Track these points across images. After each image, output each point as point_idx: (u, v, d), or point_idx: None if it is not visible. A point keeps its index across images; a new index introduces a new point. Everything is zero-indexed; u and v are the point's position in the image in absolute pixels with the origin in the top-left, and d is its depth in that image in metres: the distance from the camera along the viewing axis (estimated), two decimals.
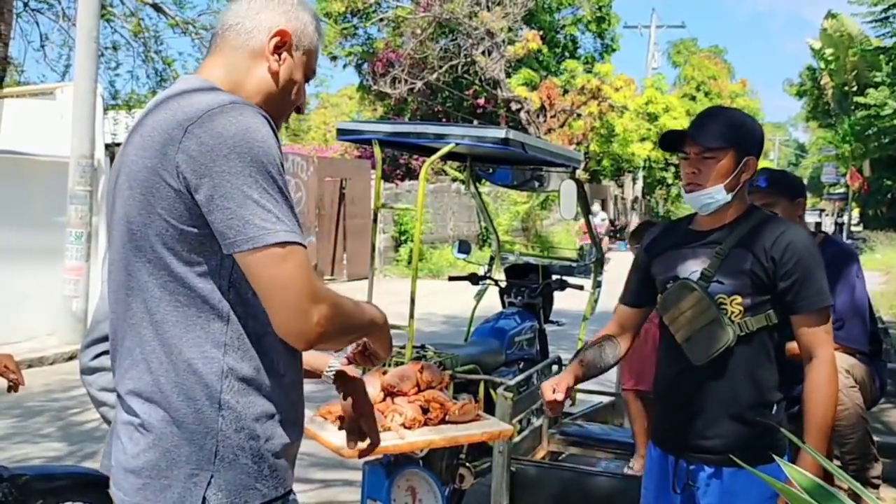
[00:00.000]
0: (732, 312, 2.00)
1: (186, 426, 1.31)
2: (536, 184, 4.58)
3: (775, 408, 2.05)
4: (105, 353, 1.91)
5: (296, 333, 1.28)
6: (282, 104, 1.48)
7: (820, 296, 1.98)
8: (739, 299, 1.99)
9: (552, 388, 2.13)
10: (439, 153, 3.56)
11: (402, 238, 16.28)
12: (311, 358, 1.68)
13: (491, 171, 4.56)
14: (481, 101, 21.82)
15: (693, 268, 2.06)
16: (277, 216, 1.26)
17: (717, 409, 2.03)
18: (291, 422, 1.40)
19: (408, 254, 15.88)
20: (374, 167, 16.21)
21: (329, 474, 4.44)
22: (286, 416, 1.38)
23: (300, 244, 1.28)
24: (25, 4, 12.74)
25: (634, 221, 31.78)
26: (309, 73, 1.52)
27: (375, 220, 3.79)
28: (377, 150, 3.70)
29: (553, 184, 4.66)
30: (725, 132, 2.03)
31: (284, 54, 1.45)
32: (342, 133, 3.79)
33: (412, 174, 19.09)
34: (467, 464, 3.54)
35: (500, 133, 3.38)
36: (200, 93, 1.34)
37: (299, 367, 1.46)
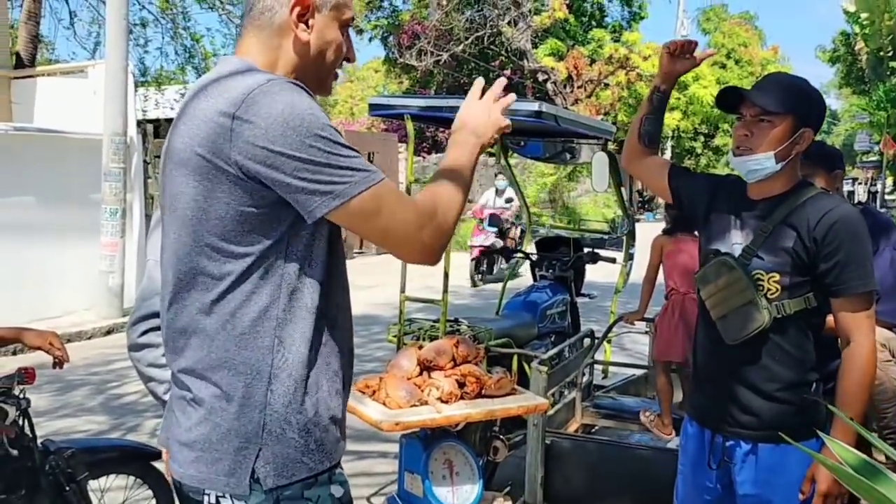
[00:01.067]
0: (770, 290, 1.95)
1: (236, 400, 1.34)
2: (568, 156, 4.55)
3: (813, 387, 2.02)
4: (152, 329, 1.95)
5: (419, 261, 1.40)
6: (324, 66, 1.48)
7: (863, 279, 1.91)
8: (778, 277, 1.95)
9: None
10: None
11: None
12: None
13: (522, 144, 4.54)
14: (508, 72, 21.64)
15: (736, 240, 2.02)
16: (351, 167, 1.30)
17: (753, 387, 2.00)
18: (337, 393, 1.43)
19: None
20: (401, 141, 16.22)
21: (364, 446, 4.50)
22: (332, 387, 1.41)
23: (382, 179, 1.34)
24: None
25: None
26: (345, 24, 1.50)
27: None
28: (409, 124, 3.70)
29: (584, 156, 4.63)
30: (786, 98, 1.93)
31: (311, 20, 1.44)
32: (374, 108, 3.79)
33: (439, 147, 19.04)
34: (501, 436, 3.57)
35: (534, 106, 3.36)
36: (238, 76, 1.35)
37: (349, 336, 1.48)
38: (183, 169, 1.35)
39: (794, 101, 1.94)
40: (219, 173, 1.31)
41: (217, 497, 1.36)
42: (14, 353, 6.36)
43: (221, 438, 1.34)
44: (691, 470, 2.15)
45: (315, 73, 1.46)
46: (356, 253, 14.71)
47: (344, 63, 1.53)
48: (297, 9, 1.42)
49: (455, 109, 3.69)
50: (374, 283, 11.03)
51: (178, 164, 1.36)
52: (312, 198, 1.29)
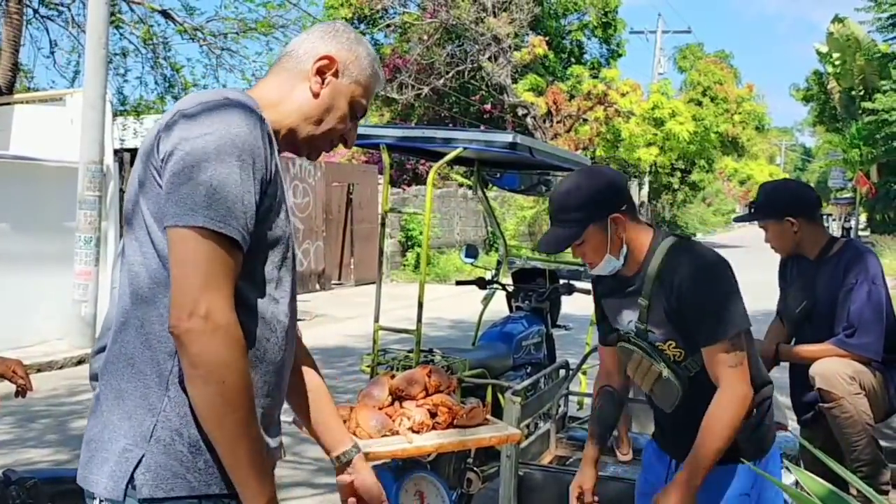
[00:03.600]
0: (675, 356, 2.07)
1: (129, 399, 1.30)
2: (544, 188, 4.58)
3: (754, 412, 2.10)
4: None
5: (173, 318, 1.24)
6: (320, 128, 1.49)
7: (719, 327, 1.96)
8: (674, 344, 2.07)
9: (578, 491, 2.26)
10: (447, 157, 3.57)
11: (409, 243, 16.30)
12: (327, 431, 1.69)
13: (499, 175, 4.57)
14: (488, 106, 21.86)
15: (629, 318, 2.14)
16: (209, 201, 1.24)
17: (696, 424, 2.06)
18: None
19: (415, 258, 15.90)
20: (380, 172, 16.26)
21: (335, 478, 4.44)
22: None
23: (221, 234, 1.25)
24: (35, 11, 12.82)
25: None
26: (357, 107, 1.53)
27: (383, 225, 3.80)
28: (385, 154, 3.72)
29: None
30: (572, 220, 2.04)
31: (329, 78, 1.48)
32: None
33: (419, 179, 19.12)
34: (475, 468, 3.54)
35: (508, 137, 3.39)
36: (213, 92, 1.37)
37: (277, 360, 1.40)
38: (136, 165, 1.39)
39: (581, 214, 2.03)
40: (149, 163, 1.33)
41: (101, 502, 1.30)
42: None
43: (111, 438, 1.30)
44: (650, 487, 2.26)
45: (309, 131, 1.49)
46: (334, 284, 14.65)
47: (339, 143, 1.55)
48: (322, 62, 1.48)
49: (430, 140, 3.74)
50: (351, 315, 10.98)
51: (135, 164, 1.40)
52: (167, 206, 1.28)
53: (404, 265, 16.29)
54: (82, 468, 1.34)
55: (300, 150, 1.52)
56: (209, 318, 1.22)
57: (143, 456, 1.27)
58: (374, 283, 3.95)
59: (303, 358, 1.66)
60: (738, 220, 3.31)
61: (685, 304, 1.98)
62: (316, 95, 1.47)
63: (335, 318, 10.92)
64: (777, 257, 3.26)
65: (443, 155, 3.87)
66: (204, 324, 1.22)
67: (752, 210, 3.05)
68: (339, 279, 14.91)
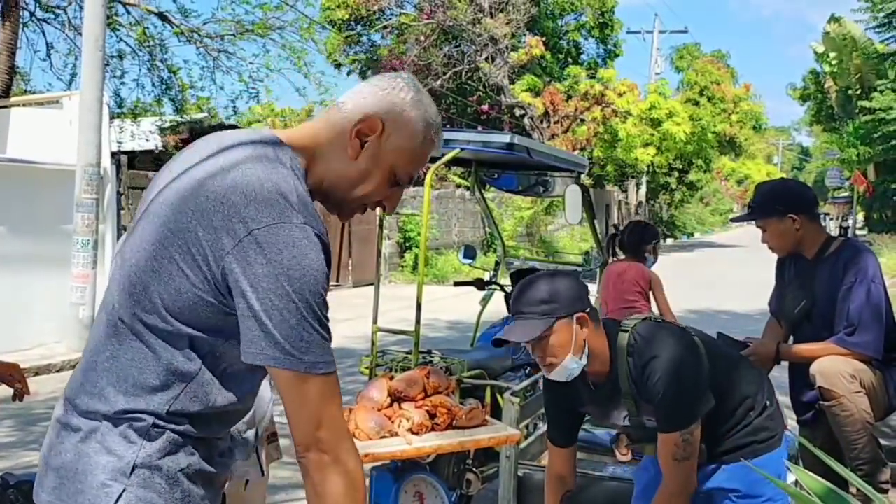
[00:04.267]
0: None
1: (111, 434, 1.31)
2: (541, 189, 4.58)
3: (751, 415, 2.23)
4: None
5: (299, 453, 1.30)
6: (353, 194, 1.43)
7: (672, 421, 2.08)
8: None
9: None
10: (445, 158, 3.57)
11: (407, 244, 16.30)
12: None
13: (496, 176, 4.57)
14: (485, 107, 21.86)
15: (621, 415, 2.22)
16: (308, 344, 1.26)
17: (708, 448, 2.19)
18: (214, 457, 1.41)
19: (413, 259, 15.90)
20: None
21: None
22: (210, 447, 1.39)
23: (325, 373, 1.29)
24: (32, 14, 12.81)
25: None
26: (401, 174, 1.43)
27: (381, 227, 3.80)
28: None
29: (558, 189, 4.67)
30: (539, 313, 2.07)
31: (369, 142, 1.39)
32: None
33: (416, 180, 19.11)
34: (474, 469, 3.53)
35: (505, 138, 3.39)
36: (276, 182, 1.29)
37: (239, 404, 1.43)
38: (164, 230, 1.31)
39: (543, 309, 2.07)
40: (198, 262, 1.28)
41: None
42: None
43: (88, 469, 1.30)
44: (653, 464, 2.32)
45: (341, 195, 1.43)
46: (332, 286, 14.64)
47: (378, 208, 1.50)
48: (362, 125, 1.39)
49: None
50: (349, 317, 10.96)
51: (163, 222, 1.32)
52: (255, 344, 1.26)
53: (402, 266, 16.28)
54: (49, 493, 1.33)
55: (330, 208, 1.47)
56: (331, 453, 1.29)
57: (123, 491, 1.29)
58: (372, 284, 3.96)
59: None
60: (735, 220, 3.30)
61: (651, 396, 2.09)
62: (352, 160, 1.39)
63: (333, 320, 10.70)
64: (775, 256, 3.25)
65: (440, 156, 3.87)
66: (326, 458, 1.29)
67: (752, 209, 3.04)
68: (338, 280, 14.91)
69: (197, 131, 2.28)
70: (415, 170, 1.46)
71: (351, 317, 10.81)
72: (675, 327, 2.25)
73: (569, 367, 2.09)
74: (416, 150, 1.43)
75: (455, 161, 3.91)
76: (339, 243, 14.94)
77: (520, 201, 19.05)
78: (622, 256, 4.49)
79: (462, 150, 3.43)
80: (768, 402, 2.31)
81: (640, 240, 4.45)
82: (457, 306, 10.26)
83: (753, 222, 3.12)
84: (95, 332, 1.39)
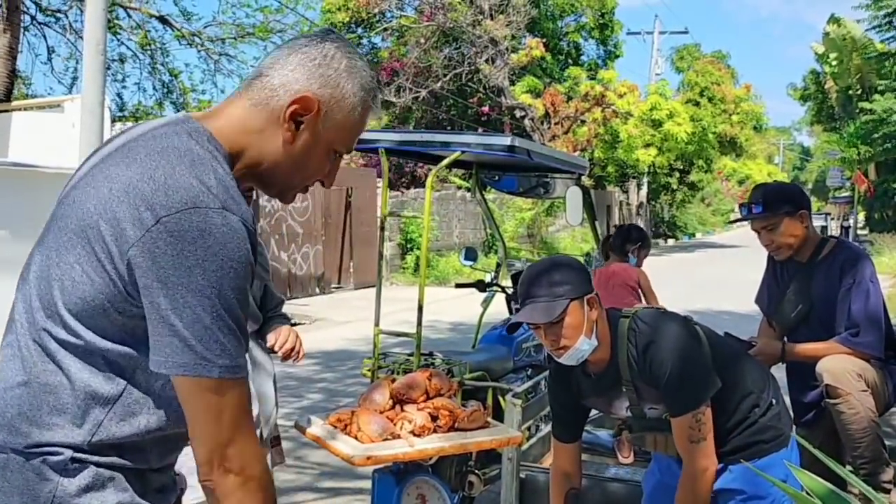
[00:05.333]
0: None
1: (23, 471, 1.17)
2: (542, 190, 4.59)
3: (756, 412, 2.23)
4: None
5: (203, 472, 1.17)
6: (294, 177, 1.32)
7: (682, 402, 2.09)
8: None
9: None
10: (446, 161, 3.57)
11: (409, 246, 16.30)
12: None
13: (497, 178, 4.58)
14: (486, 108, 21.88)
15: (622, 405, 2.22)
16: (221, 348, 1.14)
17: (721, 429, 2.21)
18: (148, 493, 1.27)
19: (414, 261, 15.90)
20: (379, 176, 16.29)
21: (339, 483, 4.44)
22: (147, 484, 1.27)
23: (237, 378, 1.16)
24: (33, 18, 12.85)
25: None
26: (339, 148, 1.32)
27: (383, 229, 3.80)
28: (384, 158, 3.72)
29: (559, 190, 4.67)
30: (554, 295, 2.07)
31: (304, 125, 1.26)
32: None
33: (417, 182, 19.13)
34: (476, 471, 3.54)
35: (506, 140, 3.39)
36: (189, 166, 1.16)
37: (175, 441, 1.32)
38: (76, 225, 1.19)
39: (564, 290, 2.08)
40: (102, 260, 1.15)
41: None
42: None
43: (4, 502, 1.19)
44: (662, 470, 2.36)
45: (282, 179, 1.31)
46: (333, 288, 14.65)
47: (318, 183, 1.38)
48: (296, 106, 1.25)
49: (429, 144, 3.74)
50: (351, 319, 10.98)
51: (77, 219, 1.19)
52: (162, 350, 1.14)
53: (404, 268, 16.29)
54: None
55: (270, 193, 1.36)
56: (243, 473, 1.17)
57: None
58: (373, 286, 3.96)
59: None
60: (744, 218, 3.26)
61: (660, 381, 2.09)
62: (288, 144, 1.26)
63: (335, 322, 10.92)
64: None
65: (441, 158, 3.88)
66: (238, 480, 1.17)
67: (762, 207, 2.97)
68: (339, 283, 14.92)
69: None
70: (354, 139, 1.35)
71: (352, 319, 10.82)
72: (675, 313, 2.26)
73: (581, 348, 2.10)
74: (356, 121, 1.31)
75: (456, 163, 3.92)
76: (341, 245, 14.94)
77: (520, 203, 19.04)
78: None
79: (463, 152, 3.44)
80: (774, 401, 2.31)
81: (624, 240, 4.55)
82: (458, 308, 10.26)
83: (748, 224, 3.11)
84: (2, 356, 1.25)
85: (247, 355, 2.31)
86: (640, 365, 2.10)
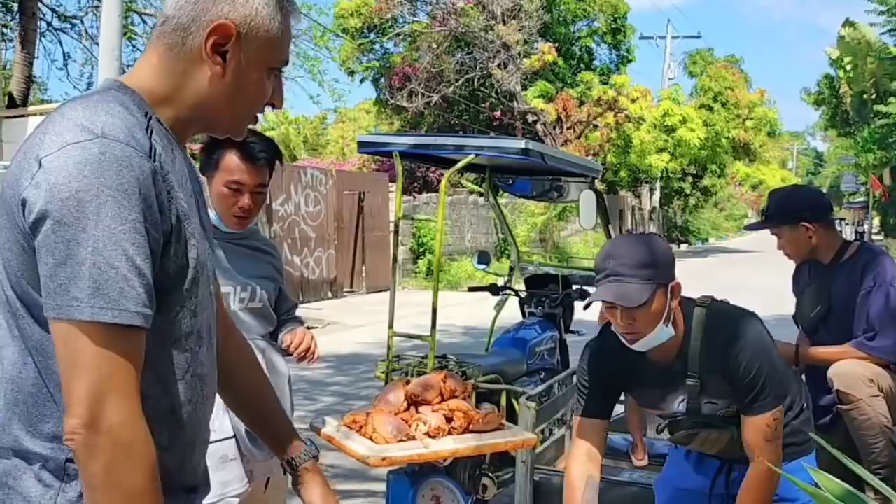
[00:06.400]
0: (733, 412, 2.10)
1: (25, 476, 1.13)
2: (556, 194, 4.59)
3: (789, 415, 2.17)
4: None
5: (68, 429, 1.05)
6: (237, 108, 1.25)
7: (763, 402, 2.01)
8: (736, 407, 2.08)
9: None
10: (460, 164, 3.58)
11: (421, 250, 16.33)
12: (274, 427, 1.54)
13: (511, 182, 4.58)
14: (498, 113, 21.90)
15: (678, 399, 2.11)
16: (95, 286, 1.04)
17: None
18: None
19: (426, 266, 15.92)
20: (391, 180, 16.34)
21: (352, 485, 4.45)
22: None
23: (118, 326, 1.05)
24: (49, 24, 12.97)
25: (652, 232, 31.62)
26: (274, 64, 1.26)
27: (397, 232, 3.82)
28: (398, 162, 3.73)
29: (572, 194, 4.67)
30: (642, 277, 1.93)
31: (229, 55, 1.20)
32: (363, 146, 3.82)
33: (429, 187, 19.16)
34: (490, 474, 3.54)
35: (520, 143, 3.40)
36: (84, 111, 1.12)
37: (196, 426, 1.25)
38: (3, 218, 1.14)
39: (650, 272, 1.94)
40: (13, 222, 1.11)
41: None
42: None
43: None
44: (679, 476, 2.30)
45: (225, 114, 1.25)
46: (345, 292, 14.68)
47: (269, 108, 1.31)
48: (214, 38, 1.18)
49: (442, 147, 3.75)
50: (362, 323, 11.00)
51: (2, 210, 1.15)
52: (45, 293, 1.06)
53: (415, 272, 16.31)
54: None
55: (218, 133, 1.32)
56: (111, 432, 1.04)
57: None
58: (385, 290, 3.97)
59: (236, 352, 1.49)
60: (750, 227, 3.29)
61: (736, 376, 1.99)
62: (218, 78, 1.20)
63: (347, 326, 10.95)
64: (791, 262, 3.25)
65: (454, 162, 3.88)
66: (105, 439, 1.04)
67: (766, 216, 3.04)
68: (351, 287, 14.95)
69: (213, 138, 2.32)
70: (287, 51, 1.27)
71: (364, 323, 10.84)
72: (748, 309, 2.16)
73: (659, 336, 1.97)
74: (280, 31, 1.24)
75: (469, 167, 3.93)
76: (353, 250, 14.99)
77: (533, 207, 19.03)
78: None
79: (477, 155, 3.45)
80: (805, 405, 2.29)
81: None
82: (470, 312, 10.25)
83: (768, 229, 3.12)
84: None
85: (261, 353, 2.33)
86: (716, 358, 1.99)
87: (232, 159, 2.28)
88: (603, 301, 1.98)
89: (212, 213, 2.33)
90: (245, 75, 1.21)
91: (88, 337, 1.04)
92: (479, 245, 17.94)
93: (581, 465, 2.16)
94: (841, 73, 26.80)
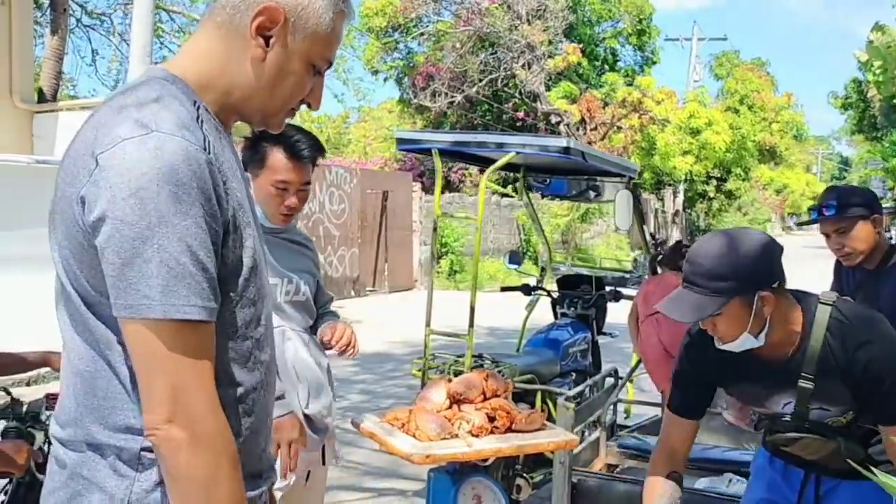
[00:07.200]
0: (846, 423, 1.94)
1: (99, 467, 1.13)
2: (592, 194, 4.56)
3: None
4: None
5: (148, 424, 1.07)
6: (274, 100, 1.23)
7: None
8: (851, 415, 1.93)
9: None
10: (500, 162, 3.56)
11: (443, 250, 16.32)
12: None
13: (547, 182, 4.55)
14: (521, 114, 21.83)
15: (784, 399, 1.94)
16: (163, 284, 1.04)
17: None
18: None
19: (449, 266, 15.90)
20: (415, 179, 16.35)
21: (383, 483, 4.44)
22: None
23: (188, 321, 1.06)
24: (78, 21, 13.09)
25: (675, 236, 31.40)
26: (317, 62, 1.23)
27: (435, 230, 3.81)
28: (437, 159, 3.71)
29: (607, 194, 4.64)
30: (711, 290, 1.78)
31: (273, 40, 1.18)
32: (401, 142, 3.81)
33: (451, 187, 19.13)
34: (524, 474, 3.52)
35: (562, 142, 3.37)
36: (135, 105, 1.11)
37: (261, 413, 1.25)
38: (55, 208, 1.16)
39: (725, 284, 1.79)
40: (74, 221, 1.11)
41: None
42: (28, 384, 6.33)
43: None
44: (772, 489, 2.15)
45: (260, 101, 1.22)
46: (368, 291, 14.70)
47: (304, 106, 1.29)
48: (261, 19, 1.16)
49: (483, 145, 3.73)
50: (385, 321, 11.01)
51: (55, 203, 1.16)
52: (111, 291, 1.07)
53: (438, 272, 16.30)
54: None
55: (254, 124, 1.29)
56: (192, 426, 1.06)
57: None
58: (407, 290, 3.96)
59: None
60: (807, 223, 3.15)
61: (871, 383, 1.83)
62: (259, 61, 1.18)
63: (371, 324, 10.96)
64: (827, 267, 3.17)
65: (490, 161, 3.86)
66: (187, 433, 1.06)
67: (837, 208, 2.80)
68: (373, 286, 14.96)
69: (256, 134, 2.31)
70: (333, 52, 1.24)
71: (387, 322, 10.85)
72: (875, 311, 2.01)
73: (743, 344, 1.83)
74: (329, 28, 1.21)
75: (504, 167, 3.91)
76: (376, 249, 15.00)
77: (556, 209, 18.96)
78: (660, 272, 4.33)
79: (517, 153, 3.43)
80: None
81: (682, 256, 4.21)
82: (494, 312, 10.22)
83: (817, 228, 3.03)
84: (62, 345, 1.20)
85: (298, 339, 2.32)
86: (842, 361, 1.83)
87: (279, 158, 2.26)
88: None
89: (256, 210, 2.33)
90: (286, 64, 1.19)
91: (162, 334, 1.05)
92: (501, 246, 17.89)
93: (660, 463, 2.03)
94: (870, 77, 26.46)
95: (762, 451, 2.22)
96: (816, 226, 2.95)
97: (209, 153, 1.10)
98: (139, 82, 1.18)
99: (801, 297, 1.92)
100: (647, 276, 4.62)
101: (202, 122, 1.14)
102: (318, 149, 2.33)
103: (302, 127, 2.39)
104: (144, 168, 1.04)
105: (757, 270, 1.80)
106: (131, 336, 1.06)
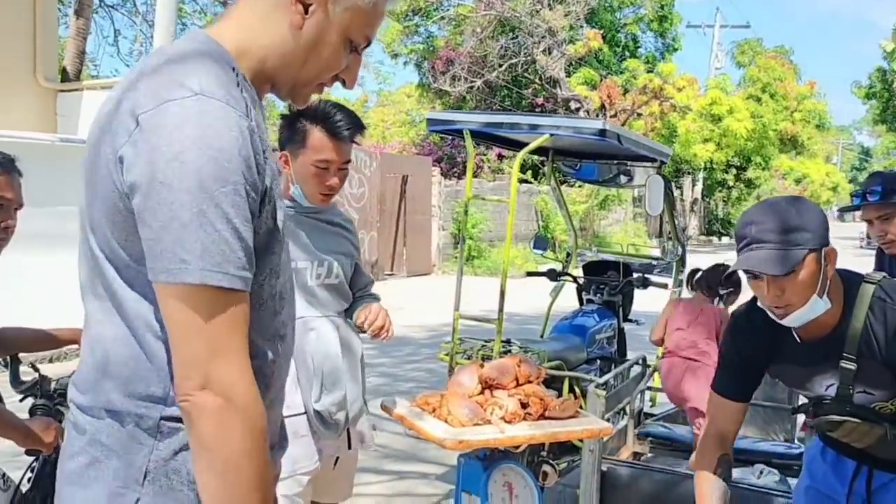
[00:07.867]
0: (890, 409, 1.87)
1: (118, 434, 1.12)
2: (624, 179, 4.48)
3: None
4: None
5: (181, 391, 1.05)
6: (307, 70, 1.19)
7: None
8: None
9: None
10: (534, 144, 3.49)
11: (462, 235, 16.29)
12: None
13: (577, 167, 4.47)
14: (540, 100, 21.69)
15: (827, 381, 1.88)
16: (201, 249, 1.01)
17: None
18: None
19: (468, 251, 15.88)
20: (434, 163, 16.30)
21: (403, 466, 4.42)
22: None
23: (225, 288, 1.03)
24: (101, 1, 13.09)
25: (693, 224, 31.18)
26: (356, 38, 1.19)
27: (466, 213, 3.76)
28: (469, 140, 3.65)
29: (636, 179, 4.57)
30: (789, 242, 1.71)
31: (314, 6, 1.14)
32: (432, 123, 3.75)
33: (497, 168, 19.06)
34: (551, 461, 3.48)
35: (598, 124, 3.30)
36: (179, 65, 1.09)
37: (278, 383, 1.25)
38: (88, 165, 1.14)
39: (801, 235, 1.72)
40: (108, 179, 1.09)
41: None
42: (51, 361, 6.37)
43: (97, 476, 1.12)
44: (822, 481, 2.09)
45: (291, 75, 1.19)
46: (386, 275, 14.70)
47: (338, 83, 1.25)
48: None
49: (516, 126, 3.67)
50: (403, 305, 10.97)
51: (88, 158, 1.14)
52: (147, 255, 1.05)
53: (456, 257, 16.26)
54: (62, 497, 1.18)
55: (282, 96, 1.25)
56: (225, 393, 1.04)
57: (137, 500, 1.11)
58: (425, 274, 3.92)
59: None
60: (847, 209, 3.07)
61: None
62: (296, 28, 1.14)
63: (389, 308, 10.87)
64: (849, 258, 3.10)
65: (520, 143, 3.80)
66: (219, 400, 1.03)
67: (882, 193, 2.72)
68: (392, 270, 14.95)
69: (293, 112, 2.26)
70: (373, 30, 1.20)
71: (405, 305, 10.82)
72: None
73: (813, 308, 1.75)
74: (372, 5, 1.18)
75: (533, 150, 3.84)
76: (395, 233, 14.98)
77: (574, 195, 18.85)
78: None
79: (552, 135, 3.36)
80: None
81: (719, 281, 3.86)
82: (513, 298, 10.19)
83: (857, 214, 2.95)
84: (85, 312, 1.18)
85: (327, 325, 2.28)
86: (882, 343, 1.76)
87: (319, 137, 2.20)
88: (745, 271, 1.76)
89: (293, 189, 2.28)
90: (323, 34, 1.16)
91: (199, 301, 1.02)
92: (518, 232, 17.82)
93: (708, 449, 1.98)
94: (895, 66, 26.07)
95: (816, 440, 2.15)
96: (834, 220, 2.87)
97: (251, 120, 1.08)
98: (180, 43, 1.16)
99: (845, 273, 1.86)
100: (674, 291, 4.48)
101: (242, 88, 1.12)
102: (357, 125, 2.27)
103: (341, 104, 2.32)
104: (188, 131, 1.02)
105: (820, 225, 1.75)
106: (168, 301, 1.04)
